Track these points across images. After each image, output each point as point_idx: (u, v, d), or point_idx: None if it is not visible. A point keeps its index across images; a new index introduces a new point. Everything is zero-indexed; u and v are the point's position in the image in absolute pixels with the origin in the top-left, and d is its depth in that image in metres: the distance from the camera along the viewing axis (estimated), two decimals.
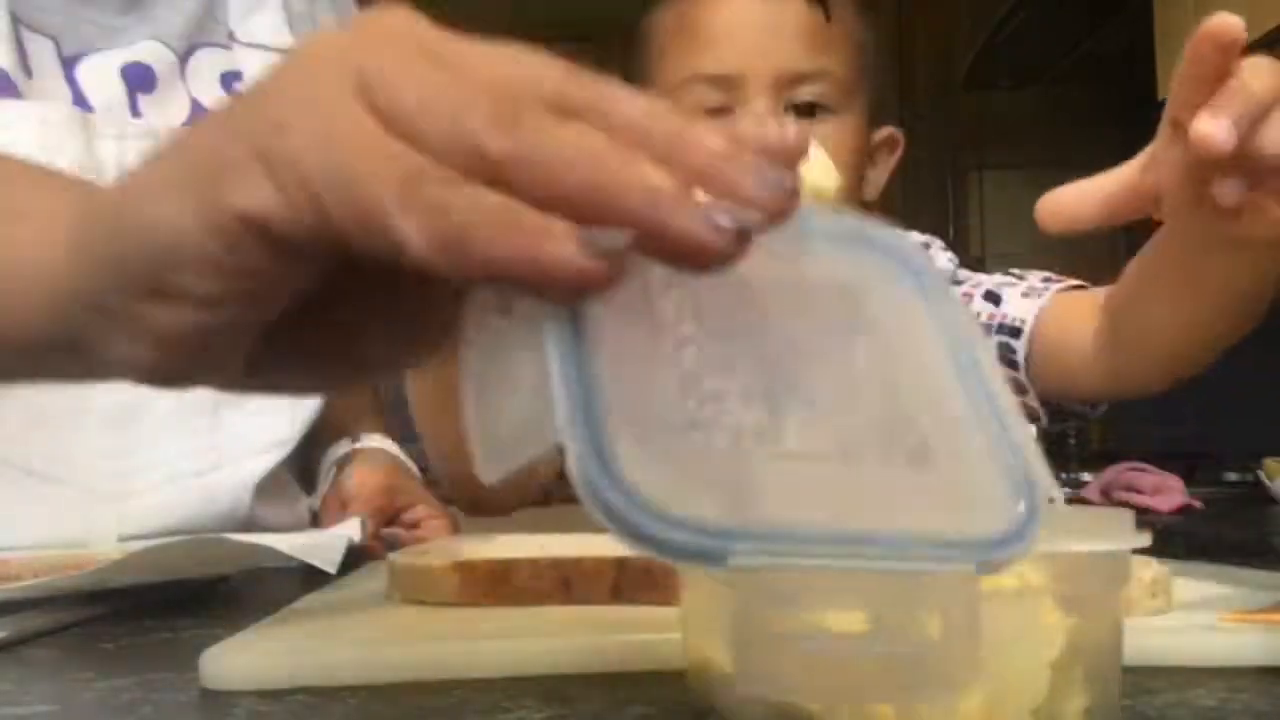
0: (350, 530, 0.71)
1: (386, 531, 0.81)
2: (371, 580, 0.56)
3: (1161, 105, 0.54)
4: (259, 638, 0.41)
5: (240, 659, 0.37)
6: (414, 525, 0.85)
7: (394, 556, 0.51)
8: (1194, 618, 0.45)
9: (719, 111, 0.84)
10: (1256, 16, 1.37)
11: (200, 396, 0.81)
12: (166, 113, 0.84)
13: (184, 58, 0.86)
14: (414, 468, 0.93)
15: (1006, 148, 2.68)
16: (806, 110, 0.83)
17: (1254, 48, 0.50)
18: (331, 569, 0.59)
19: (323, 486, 0.90)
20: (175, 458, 0.82)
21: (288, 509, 0.90)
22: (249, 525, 0.84)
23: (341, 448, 0.91)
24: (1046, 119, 2.66)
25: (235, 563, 0.67)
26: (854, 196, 0.88)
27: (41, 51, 0.81)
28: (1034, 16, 2.14)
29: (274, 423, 0.86)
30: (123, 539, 0.79)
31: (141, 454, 0.81)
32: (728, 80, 0.84)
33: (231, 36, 0.89)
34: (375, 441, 0.92)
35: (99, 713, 0.35)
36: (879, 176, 0.92)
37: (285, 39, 0.90)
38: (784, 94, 0.83)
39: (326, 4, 0.97)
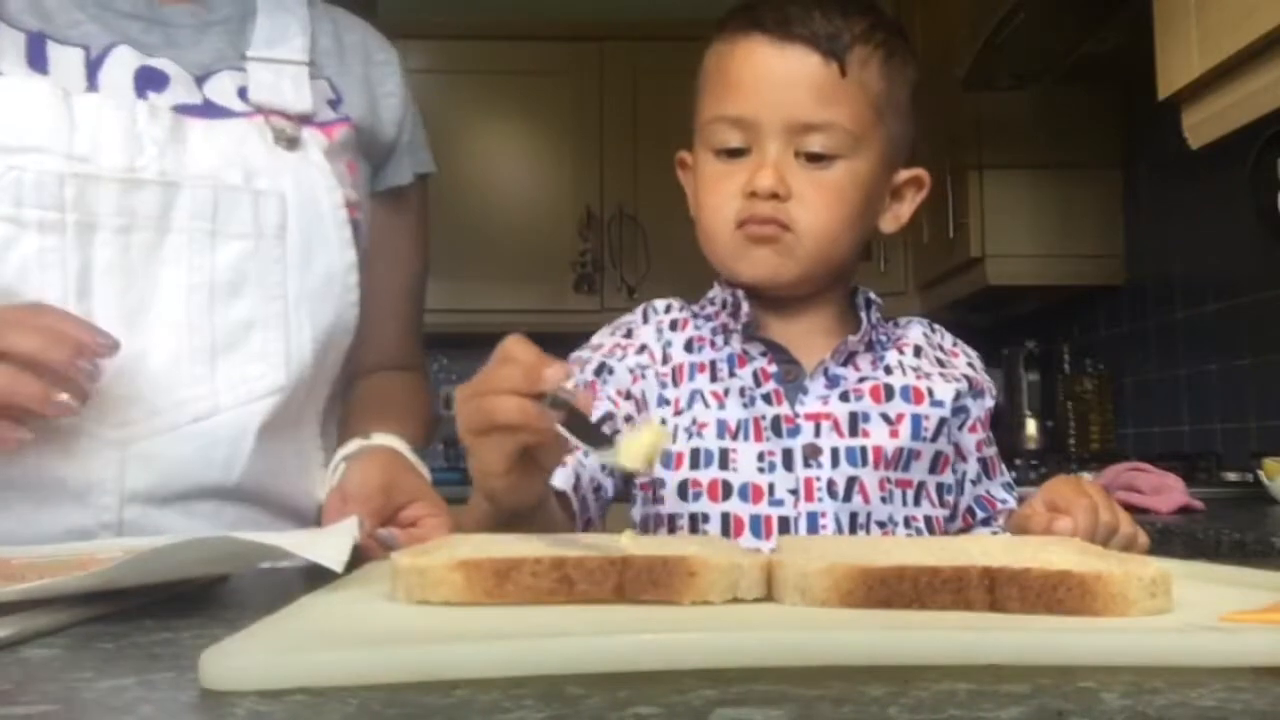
0: (349, 529, 0.71)
1: (381, 532, 0.81)
2: (371, 580, 0.56)
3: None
4: (259, 638, 0.41)
5: (240, 659, 0.37)
6: (411, 524, 0.85)
7: (396, 556, 0.51)
8: (1194, 618, 0.45)
9: (738, 152, 0.91)
10: (1256, 16, 1.37)
11: (196, 347, 0.86)
12: (177, 100, 0.90)
13: (200, 80, 0.92)
14: (422, 466, 0.93)
15: (1006, 148, 2.68)
16: (815, 157, 0.90)
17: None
18: (338, 567, 0.59)
19: (330, 482, 0.90)
20: (173, 406, 0.85)
21: (298, 467, 0.94)
22: (253, 477, 0.89)
23: (351, 446, 0.92)
24: (1046, 119, 2.66)
25: (241, 562, 0.67)
26: (868, 229, 0.95)
27: (71, 59, 0.87)
28: (1034, 16, 2.14)
29: (268, 370, 0.89)
30: (126, 495, 0.84)
31: (142, 403, 0.84)
32: (743, 123, 0.91)
33: (244, 57, 0.95)
34: (386, 440, 0.92)
35: (99, 713, 0.35)
36: (903, 212, 0.98)
37: (300, 55, 0.97)
38: (794, 141, 0.90)
39: (377, 44, 1.06)
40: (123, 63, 0.89)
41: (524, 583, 0.48)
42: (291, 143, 0.92)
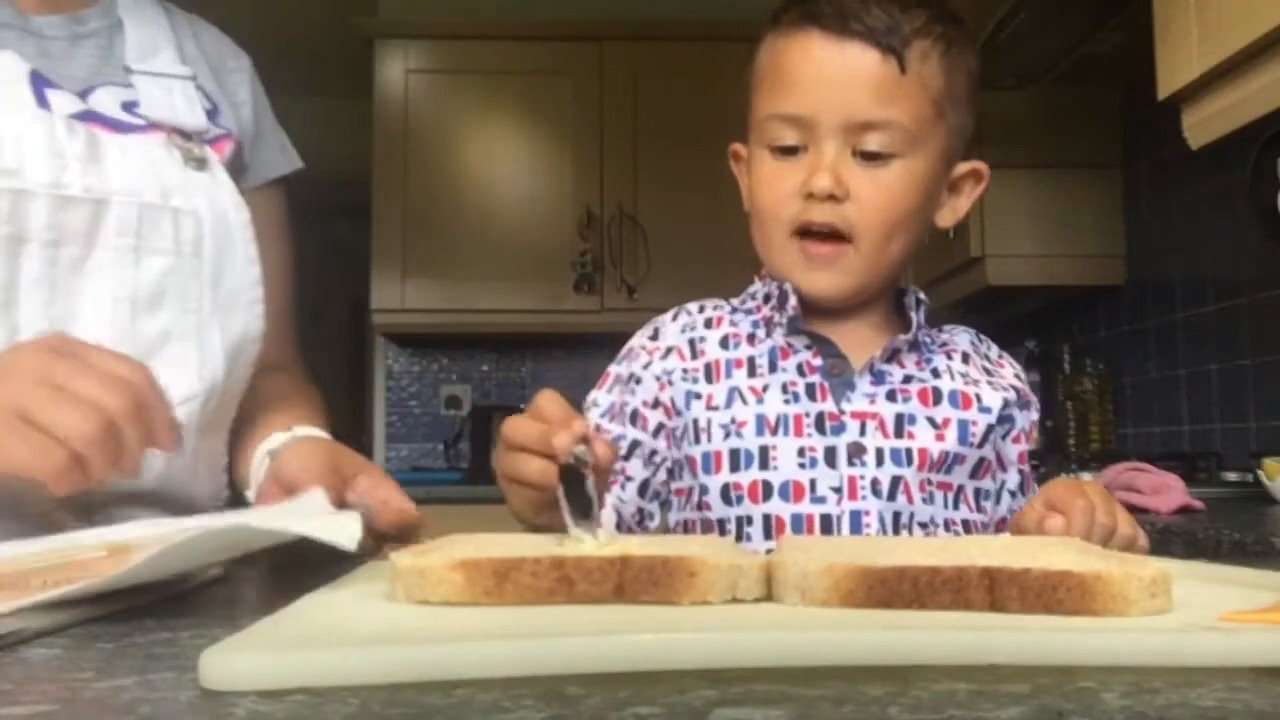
0: (352, 516, 0.72)
1: (354, 500, 0.82)
2: (371, 580, 0.56)
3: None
4: (259, 638, 0.41)
5: (240, 659, 0.37)
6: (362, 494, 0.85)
7: (396, 556, 0.51)
8: (1194, 618, 0.45)
9: (793, 150, 0.90)
10: (1256, 16, 1.37)
11: None
12: (75, 108, 0.90)
13: (84, 95, 0.93)
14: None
15: (1006, 148, 2.68)
16: (872, 156, 0.88)
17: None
18: (352, 545, 0.59)
19: (257, 477, 0.92)
20: None
21: (209, 469, 0.97)
22: (167, 482, 0.90)
23: (275, 440, 0.93)
24: (1046, 119, 2.66)
25: (252, 546, 0.67)
26: (925, 227, 0.94)
27: None
28: (1034, 16, 2.14)
29: (182, 378, 0.91)
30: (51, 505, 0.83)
31: None
32: (801, 121, 0.89)
33: (128, 70, 0.96)
34: (309, 431, 0.94)
35: (99, 713, 0.35)
36: (960, 205, 0.97)
37: (182, 69, 1.00)
38: (851, 139, 0.88)
39: (230, 51, 1.08)
40: (14, 64, 0.89)
41: (524, 583, 0.48)
42: (200, 163, 0.96)
